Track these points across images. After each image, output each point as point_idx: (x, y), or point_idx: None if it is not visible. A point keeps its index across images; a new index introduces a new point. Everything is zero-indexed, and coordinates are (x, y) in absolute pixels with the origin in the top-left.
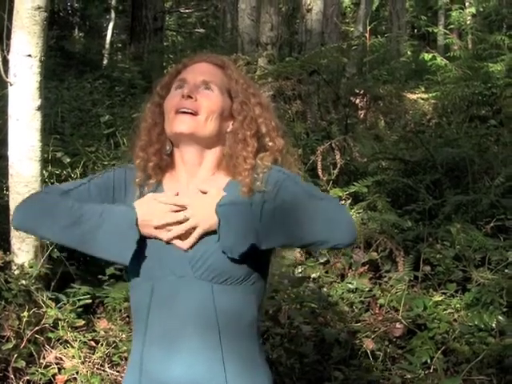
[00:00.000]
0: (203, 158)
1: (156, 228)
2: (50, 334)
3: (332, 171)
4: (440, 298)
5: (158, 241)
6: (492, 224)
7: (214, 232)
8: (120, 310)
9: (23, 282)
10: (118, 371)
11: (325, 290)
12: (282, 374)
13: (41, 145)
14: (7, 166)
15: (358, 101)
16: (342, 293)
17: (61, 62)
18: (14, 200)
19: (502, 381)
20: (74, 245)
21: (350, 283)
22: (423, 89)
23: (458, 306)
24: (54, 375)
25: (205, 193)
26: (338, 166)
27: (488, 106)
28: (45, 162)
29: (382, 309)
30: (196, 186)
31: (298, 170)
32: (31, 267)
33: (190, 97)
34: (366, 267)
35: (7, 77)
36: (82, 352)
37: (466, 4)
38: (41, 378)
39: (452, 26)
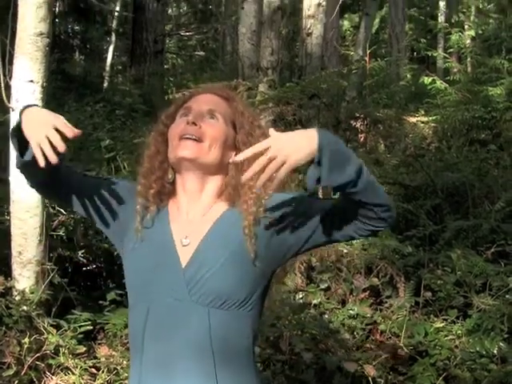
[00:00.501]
0: (204, 186)
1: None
2: (51, 361)
3: (333, 196)
4: (441, 325)
5: (156, 260)
6: (493, 250)
7: (213, 252)
8: (121, 336)
9: (24, 307)
10: None
11: (326, 316)
12: None
13: None
14: (9, 191)
15: (358, 124)
16: (343, 319)
17: (61, 86)
18: (16, 226)
19: None
20: None
21: (351, 309)
22: (423, 112)
23: (460, 332)
24: None
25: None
26: None
27: (488, 129)
28: None
29: (383, 335)
30: (196, 215)
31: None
32: (32, 293)
33: (194, 124)
34: (366, 293)
35: (9, 102)
36: (82, 379)
37: (465, 27)
38: None
39: (451, 50)
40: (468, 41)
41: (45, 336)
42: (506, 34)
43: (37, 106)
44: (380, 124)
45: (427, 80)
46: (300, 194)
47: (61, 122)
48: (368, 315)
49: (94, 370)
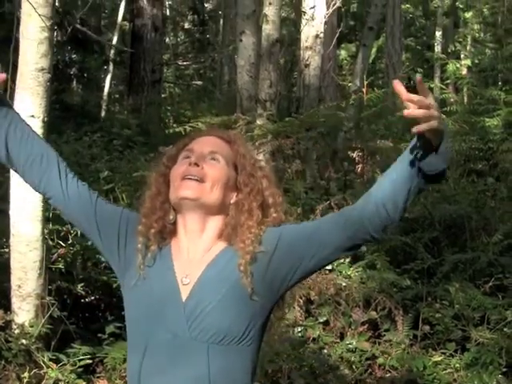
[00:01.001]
0: (205, 227)
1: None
2: None
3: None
4: (440, 358)
5: (157, 298)
6: (491, 283)
7: (214, 283)
8: (120, 370)
9: (23, 341)
10: None
11: (325, 350)
12: None
13: (42, 204)
14: (8, 224)
15: (355, 155)
16: (342, 352)
17: (59, 115)
18: (15, 259)
19: None
20: None
21: (349, 343)
22: None
23: (458, 365)
24: None
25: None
26: None
27: (485, 160)
28: (46, 219)
29: (381, 368)
30: (196, 255)
31: None
32: (32, 326)
33: (196, 165)
34: (365, 326)
35: None
36: None
37: (462, 56)
38: None
39: (448, 81)
40: (464, 70)
41: (44, 370)
42: (503, 66)
43: None
44: (377, 155)
45: None
46: (293, 224)
47: None
48: (367, 349)
49: None
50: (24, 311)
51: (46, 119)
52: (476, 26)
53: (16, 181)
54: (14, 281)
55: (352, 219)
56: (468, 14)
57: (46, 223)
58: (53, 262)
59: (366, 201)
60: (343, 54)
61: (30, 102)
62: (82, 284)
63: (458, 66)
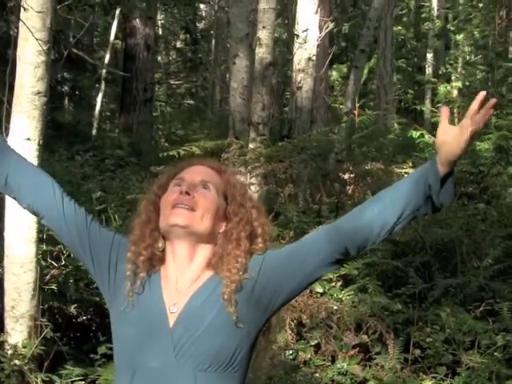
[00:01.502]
0: (194, 256)
1: None
2: None
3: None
4: (430, 382)
5: (146, 326)
6: (481, 308)
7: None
8: None
9: (16, 362)
10: None
11: (317, 374)
12: None
13: (37, 226)
14: (2, 245)
15: (346, 176)
16: (333, 376)
17: (51, 134)
18: (9, 280)
19: None
20: None
21: (340, 366)
22: (411, 164)
23: None
24: None
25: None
26: None
27: (476, 183)
28: (40, 240)
29: None
30: (184, 285)
31: None
32: (25, 347)
33: (187, 193)
34: (356, 350)
35: None
36: None
37: (453, 78)
38: None
39: (439, 105)
40: (455, 92)
41: None
42: (494, 90)
43: None
44: (368, 177)
45: (415, 134)
46: (276, 249)
47: None
48: (358, 374)
49: None
50: (17, 332)
51: (41, 142)
52: (467, 49)
53: (11, 202)
54: (8, 302)
55: (340, 230)
56: (459, 37)
57: (39, 244)
58: (46, 283)
59: (360, 215)
60: (335, 74)
61: (26, 125)
62: (76, 305)
63: (449, 88)
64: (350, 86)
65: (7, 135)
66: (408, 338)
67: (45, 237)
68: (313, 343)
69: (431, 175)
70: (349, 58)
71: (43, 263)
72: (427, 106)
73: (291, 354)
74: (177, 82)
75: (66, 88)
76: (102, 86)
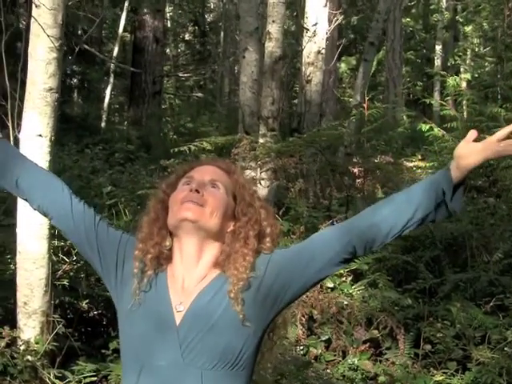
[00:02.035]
0: (202, 255)
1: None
2: None
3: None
4: (441, 378)
5: (152, 325)
6: (492, 303)
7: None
8: None
9: (29, 357)
10: None
11: (328, 370)
12: None
13: (48, 223)
14: (15, 241)
15: (355, 170)
16: (344, 371)
17: (60, 127)
18: (22, 276)
19: None
20: None
21: (351, 362)
22: (419, 157)
23: None
24: None
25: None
26: None
27: (485, 176)
28: (51, 236)
29: None
30: (191, 284)
31: None
32: (37, 343)
33: (197, 191)
34: (367, 345)
35: None
36: None
37: (461, 70)
38: None
39: (448, 98)
40: (464, 84)
41: None
42: (503, 83)
43: None
44: (377, 170)
45: (424, 127)
46: (283, 248)
47: None
48: (369, 370)
49: None
50: (30, 328)
51: (53, 138)
52: (476, 40)
53: (23, 200)
54: (20, 298)
55: (349, 229)
56: (468, 28)
57: (51, 240)
58: (58, 279)
59: (371, 214)
60: (343, 66)
61: (37, 122)
62: (87, 300)
63: (458, 80)
64: (358, 79)
65: (19, 131)
66: (418, 333)
67: (56, 233)
68: (324, 338)
69: (445, 181)
70: (358, 49)
71: (54, 259)
72: (436, 99)
73: (302, 350)
74: (185, 75)
75: (75, 81)
76: (111, 79)
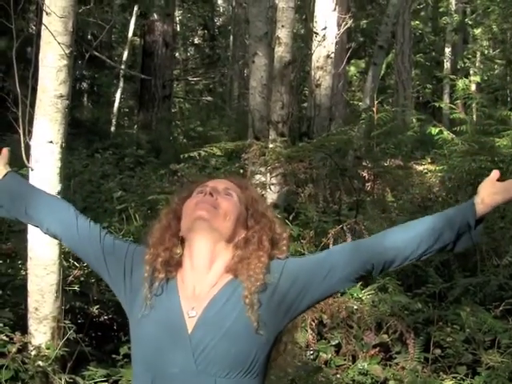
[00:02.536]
0: (214, 259)
1: None
2: None
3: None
4: (451, 382)
5: (164, 331)
6: (501, 307)
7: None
8: None
9: (40, 363)
10: None
11: (338, 375)
12: None
13: None
14: (26, 247)
15: (365, 173)
16: (354, 376)
17: (70, 131)
18: (33, 282)
19: None
20: None
21: (361, 367)
22: (429, 160)
23: None
24: None
25: None
26: None
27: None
28: None
29: None
30: (202, 290)
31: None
32: (48, 349)
33: (211, 195)
34: (376, 349)
35: (29, 162)
36: None
37: (471, 72)
38: None
39: (458, 102)
40: (473, 87)
41: None
42: None
43: None
44: (387, 173)
45: (434, 130)
46: (297, 257)
47: None
48: (378, 373)
49: None
50: (41, 333)
51: (63, 145)
52: (485, 43)
53: None
54: (31, 303)
55: (370, 248)
56: (477, 31)
57: (62, 246)
58: (69, 284)
59: (393, 237)
60: (352, 70)
61: (48, 128)
62: (98, 306)
63: (467, 82)
64: (368, 83)
65: (30, 138)
66: (428, 338)
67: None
68: (333, 343)
69: (471, 215)
70: (367, 53)
71: (65, 264)
72: (446, 102)
73: (312, 354)
74: (195, 79)
75: (84, 85)
76: (121, 83)
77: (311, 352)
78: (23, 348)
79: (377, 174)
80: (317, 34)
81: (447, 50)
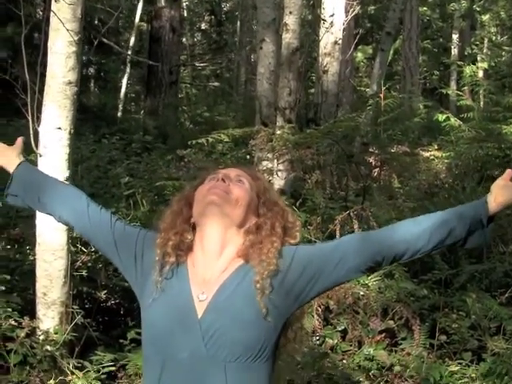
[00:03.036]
0: (225, 244)
1: None
2: None
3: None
4: (456, 368)
5: (174, 315)
6: (507, 294)
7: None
8: (141, 375)
9: (48, 347)
10: None
11: (344, 361)
12: None
13: None
14: (34, 233)
15: (371, 159)
16: (359, 361)
17: (78, 117)
18: (41, 267)
19: None
20: None
21: (367, 352)
22: (436, 146)
23: (474, 375)
24: None
25: None
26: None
27: (501, 167)
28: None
29: (398, 376)
30: (213, 275)
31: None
32: (56, 333)
33: (223, 181)
34: (382, 335)
35: (37, 148)
36: None
37: (478, 58)
38: None
39: (465, 88)
40: (481, 73)
41: (69, 378)
42: None
43: None
44: (394, 160)
45: (441, 117)
46: (307, 245)
47: None
48: (384, 359)
49: None
50: (49, 318)
51: (72, 131)
52: (493, 29)
53: None
54: (40, 288)
55: (380, 240)
56: (485, 17)
57: (70, 231)
58: (76, 269)
59: (404, 230)
60: (360, 56)
61: (57, 115)
62: (105, 291)
63: (475, 69)
64: (375, 69)
65: (39, 125)
66: (434, 324)
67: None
68: (340, 329)
69: (484, 213)
70: (374, 39)
71: (73, 249)
72: (453, 89)
73: (318, 340)
74: (202, 64)
75: (91, 71)
76: (128, 69)
77: (317, 337)
78: (31, 333)
79: (384, 160)
80: (324, 20)
81: (455, 37)
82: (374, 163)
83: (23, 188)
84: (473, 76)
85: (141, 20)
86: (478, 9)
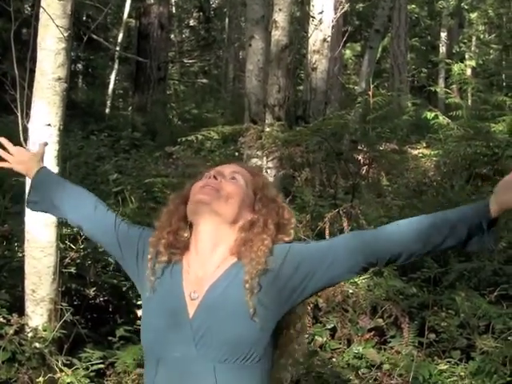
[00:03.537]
0: (218, 242)
1: None
2: None
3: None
4: (445, 366)
5: (166, 314)
6: (496, 293)
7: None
8: (130, 373)
9: (37, 344)
10: None
11: (334, 359)
12: None
13: None
14: (23, 229)
15: (360, 157)
16: (349, 359)
17: (66, 113)
18: (30, 264)
19: None
20: None
21: (356, 350)
22: (424, 144)
23: (463, 373)
24: None
25: None
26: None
27: (490, 165)
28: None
29: (386, 374)
30: (206, 273)
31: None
32: (45, 330)
33: (215, 178)
34: (371, 333)
35: (27, 145)
36: None
37: (466, 56)
38: None
39: (453, 86)
40: (469, 71)
41: (58, 375)
42: (509, 71)
43: None
44: (382, 157)
45: (430, 115)
46: (301, 243)
47: None
48: (373, 357)
49: None
50: (37, 315)
51: (61, 128)
52: (481, 27)
53: None
54: (28, 285)
55: (376, 241)
56: (473, 15)
57: (59, 228)
58: (65, 266)
59: (401, 232)
60: (348, 53)
61: (46, 112)
62: (94, 288)
63: (463, 67)
64: (364, 67)
65: (28, 121)
66: (423, 322)
67: (64, 220)
68: (329, 327)
69: (484, 216)
70: (363, 36)
71: (62, 246)
72: (441, 87)
73: (307, 338)
74: (190, 61)
75: (79, 67)
76: (116, 65)
77: (306, 336)
78: (20, 330)
79: (372, 158)
80: (313, 17)
81: (443, 35)
82: (362, 161)
83: (41, 194)
84: (461, 74)
85: (129, 16)
86: (466, 7)
